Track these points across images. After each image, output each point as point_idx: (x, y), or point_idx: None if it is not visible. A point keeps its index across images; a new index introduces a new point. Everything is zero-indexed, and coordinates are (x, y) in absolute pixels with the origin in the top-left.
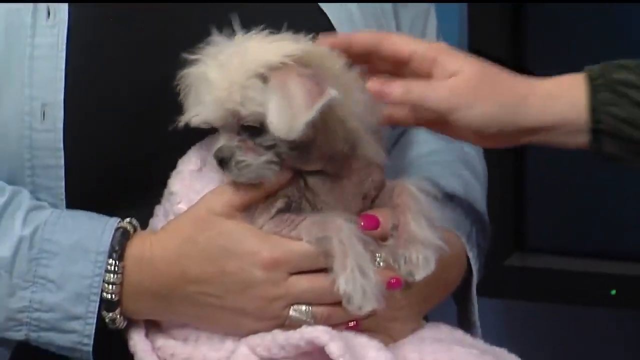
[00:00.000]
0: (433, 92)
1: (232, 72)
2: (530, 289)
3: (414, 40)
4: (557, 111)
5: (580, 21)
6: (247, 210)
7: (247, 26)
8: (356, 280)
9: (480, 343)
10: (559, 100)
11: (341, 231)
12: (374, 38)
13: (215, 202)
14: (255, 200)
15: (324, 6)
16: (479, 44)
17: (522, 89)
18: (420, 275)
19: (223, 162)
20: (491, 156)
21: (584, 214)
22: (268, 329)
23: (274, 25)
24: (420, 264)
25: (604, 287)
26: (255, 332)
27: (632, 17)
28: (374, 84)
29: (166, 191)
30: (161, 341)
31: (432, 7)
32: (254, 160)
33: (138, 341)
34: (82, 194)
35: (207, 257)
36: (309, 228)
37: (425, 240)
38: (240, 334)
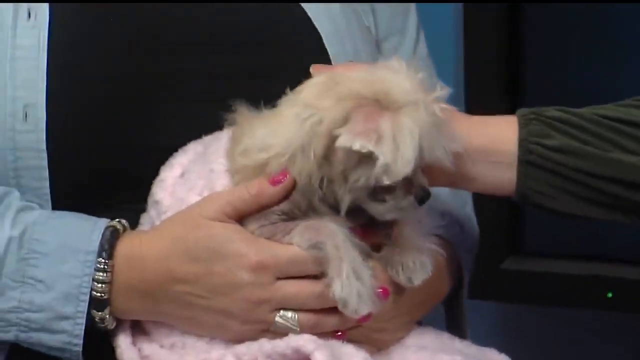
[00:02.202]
0: None
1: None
2: (525, 292)
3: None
4: (485, 135)
5: (577, 21)
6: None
7: (228, 21)
8: (352, 284)
9: (466, 346)
10: (489, 126)
11: (336, 236)
12: None
13: (208, 206)
14: (248, 211)
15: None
16: (474, 45)
17: (456, 117)
18: (418, 280)
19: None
20: None
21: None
22: (254, 333)
23: (254, 21)
24: (418, 269)
25: (600, 289)
26: (240, 335)
27: (629, 17)
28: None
29: (150, 199)
30: (149, 350)
31: (413, 5)
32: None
33: (125, 349)
34: (67, 194)
35: (195, 257)
36: (302, 233)
37: (421, 246)
38: (226, 337)
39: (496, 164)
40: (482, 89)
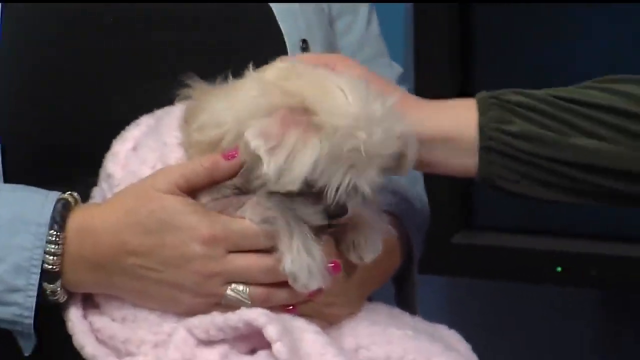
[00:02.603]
0: None
1: None
2: (476, 267)
3: (327, 55)
4: (445, 124)
5: (528, 21)
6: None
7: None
8: (302, 259)
9: (417, 321)
10: (448, 113)
11: (287, 211)
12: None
13: (161, 179)
14: (201, 185)
15: None
16: (424, 45)
17: (411, 101)
18: (369, 258)
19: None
20: None
21: None
22: (205, 307)
23: (220, 17)
24: (369, 246)
25: (549, 264)
26: (192, 309)
27: (582, 15)
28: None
29: (102, 173)
30: (100, 323)
31: None
32: None
33: (76, 322)
34: (20, 169)
35: (147, 229)
36: (254, 207)
37: (372, 224)
38: (178, 310)
39: (457, 151)
40: (431, 67)
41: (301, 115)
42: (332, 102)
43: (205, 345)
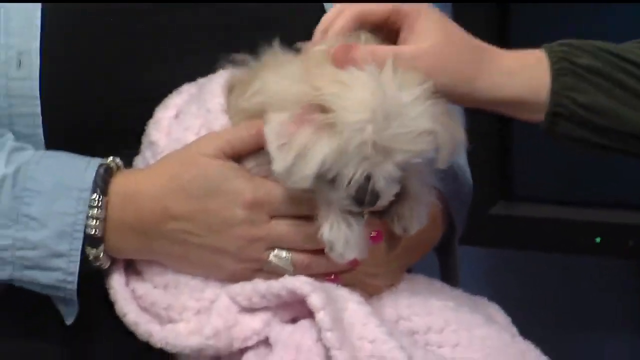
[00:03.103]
0: (399, 55)
1: None
2: (515, 237)
3: (402, 4)
4: (516, 89)
5: (566, 21)
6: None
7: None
8: (340, 228)
9: (458, 293)
10: (519, 78)
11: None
12: (384, 12)
13: (206, 145)
14: (245, 151)
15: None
16: None
17: (484, 63)
18: (413, 229)
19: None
20: None
21: (569, 162)
22: (247, 272)
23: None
24: (414, 218)
25: (588, 234)
26: (234, 274)
27: (624, 15)
28: (338, 51)
29: (145, 140)
30: (142, 290)
31: None
32: None
33: (118, 290)
34: (61, 141)
35: (190, 194)
36: None
37: (417, 196)
38: (220, 276)
39: (527, 110)
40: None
41: (317, 112)
42: (349, 99)
43: (247, 312)
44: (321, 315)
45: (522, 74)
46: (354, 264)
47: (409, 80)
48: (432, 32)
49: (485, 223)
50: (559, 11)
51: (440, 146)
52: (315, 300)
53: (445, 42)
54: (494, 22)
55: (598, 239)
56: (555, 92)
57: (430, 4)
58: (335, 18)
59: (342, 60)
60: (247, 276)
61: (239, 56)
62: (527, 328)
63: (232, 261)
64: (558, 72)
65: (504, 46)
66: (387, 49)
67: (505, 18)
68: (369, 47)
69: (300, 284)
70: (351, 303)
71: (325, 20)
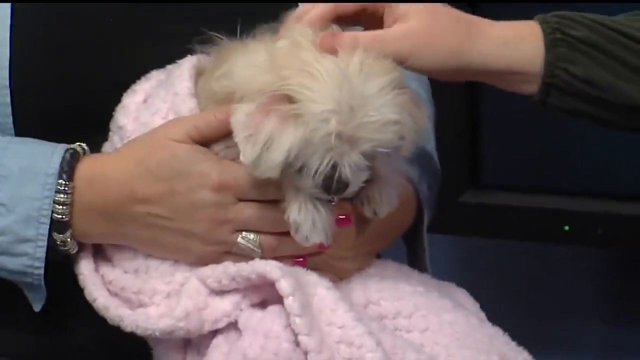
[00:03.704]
0: (380, 43)
1: None
2: (484, 225)
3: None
4: (511, 60)
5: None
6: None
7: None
8: (308, 211)
9: (427, 278)
10: (514, 48)
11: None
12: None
13: (173, 129)
14: (213, 136)
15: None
16: None
17: (472, 36)
18: (383, 212)
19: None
20: (445, 92)
21: (538, 150)
22: (216, 255)
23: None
24: (384, 201)
25: (557, 223)
26: (203, 257)
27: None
28: (324, 38)
29: (113, 125)
30: (112, 275)
31: None
32: None
33: (87, 275)
34: (31, 130)
35: (158, 177)
36: None
37: (387, 179)
38: (189, 259)
39: (520, 81)
40: None
41: (283, 103)
42: (314, 90)
43: (217, 294)
44: (290, 301)
45: (515, 44)
46: (322, 247)
47: (376, 70)
48: (414, 12)
49: (454, 211)
50: (528, 12)
51: (405, 135)
52: (284, 285)
53: (428, 20)
54: None
55: (567, 227)
56: (549, 62)
57: None
58: (311, 9)
59: (328, 47)
60: (215, 259)
61: (209, 40)
62: (498, 316)
63: (200, 244)
64: (552, 43)
65: None
66: (370, 34)
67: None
68: (352, 34)
69: (271, 268)
70: (320, 288)
71: (299, 10)
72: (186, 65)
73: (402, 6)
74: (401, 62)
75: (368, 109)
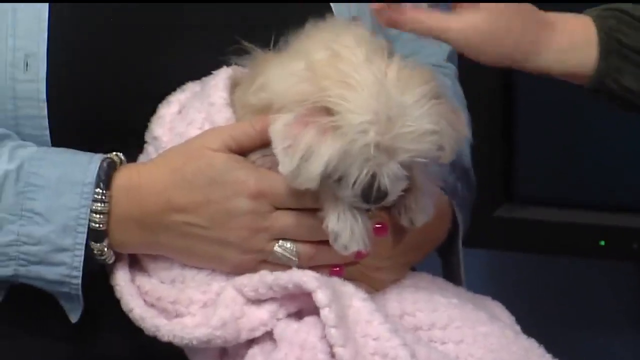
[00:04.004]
0: (442, 30)
1: None
2: (518, 240)
3: None
4: (566, 66)
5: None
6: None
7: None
8: (346, 220)
9: (462, 291)
10: (571, 56)
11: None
12: None
13: (210, 138)
14: (250, 147)
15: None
16: None
17: (540, 38)
18: (420, 221)
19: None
20: (480, 104)
21: (574, 164)
22: (252, 264)
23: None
24: (420, 210)
25: (592, 238)
26: (239, 266)
27: None
28: (390, 13)
29: (148, 136)
30: (148, 285)
31: None
32: None
33: (124, 286)
34: (67, 143)
35: (194, 186)
36: None
37: (424, 188)
38: (225, 268)
39: (573, 80)
40: None
41: (321, 115)
42: (353, 100)
43: (254, 303)
44: (326, 312)
45: (574, 54)
46: (360, 255)
47: (414, 79)
48: (486, 5)
49: (489, 225)
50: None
51: (444, 144)
52: (320, 296)
53: (496, 17)
54: None
55: (602, 242)
56: (601, 71)
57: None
58: None
59: (390, 22)
60: (252, 268)
61: (243, 50)
62: (532, 330)
63: (237, 252)
64: (606, 51)
65: None
66: (436, 17)
67: None
68: (417, 13)
69: (307, 278)
70: (356, 300)
71: None
72: (221, 76)
73: None
74: (463, 50)
75: (406, 119)
